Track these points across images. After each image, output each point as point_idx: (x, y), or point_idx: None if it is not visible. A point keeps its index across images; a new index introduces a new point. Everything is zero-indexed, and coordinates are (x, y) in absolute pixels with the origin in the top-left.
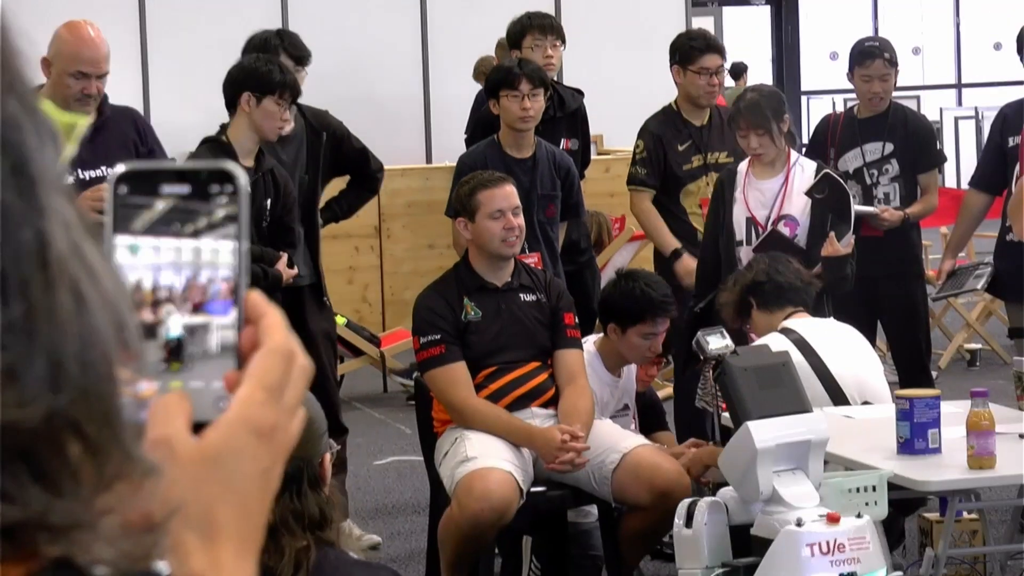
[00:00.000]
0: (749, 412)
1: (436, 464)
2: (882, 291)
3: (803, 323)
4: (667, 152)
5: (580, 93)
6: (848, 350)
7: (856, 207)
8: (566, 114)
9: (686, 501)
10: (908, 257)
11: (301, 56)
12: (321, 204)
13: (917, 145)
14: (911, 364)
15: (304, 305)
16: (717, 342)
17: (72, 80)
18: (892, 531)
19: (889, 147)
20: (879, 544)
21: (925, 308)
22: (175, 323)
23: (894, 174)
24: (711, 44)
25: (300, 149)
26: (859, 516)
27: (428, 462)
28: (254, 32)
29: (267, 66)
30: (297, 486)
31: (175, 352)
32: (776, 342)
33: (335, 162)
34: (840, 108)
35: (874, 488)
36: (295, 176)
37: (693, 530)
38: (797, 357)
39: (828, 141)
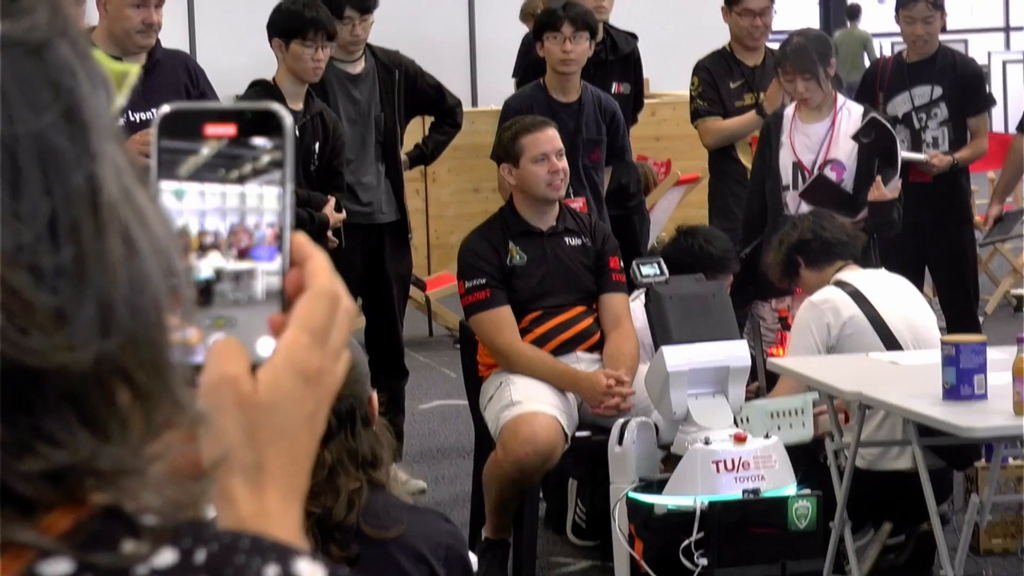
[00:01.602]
0: (671, 337)
1: (481, 408)
2: (930, 237)
3: (855, 275)
4: (719, 88)
5: (634, 37)
6: (900, 299)
7: (904, 154)
8: (619, 58)
9: (620, 421)
10: (956, 203)
11: (366, 6)
12: (409, 147)
13: (966, 89)
14: (958, 309)
15: (384, 244)
16: (650, 271)
17: (132, 11)
18: (942, 485)
19: (938, 91)
20: (787, 463)
21: (973, 254)
22: (206, 265)
23: (943, 118)
24: None
25: (373, 88)
26: (767, 437)
27: (473, 406)
28: None
29: (293, 6)
30: (351, 425)
31: (204, 293)
32: (833, 295)
33: (411, 100)
34: (888, 52)
35: (799, 412)
36: (371, 114)
37: (623, 448)
38: (853, 309)
39: (877, 85)
